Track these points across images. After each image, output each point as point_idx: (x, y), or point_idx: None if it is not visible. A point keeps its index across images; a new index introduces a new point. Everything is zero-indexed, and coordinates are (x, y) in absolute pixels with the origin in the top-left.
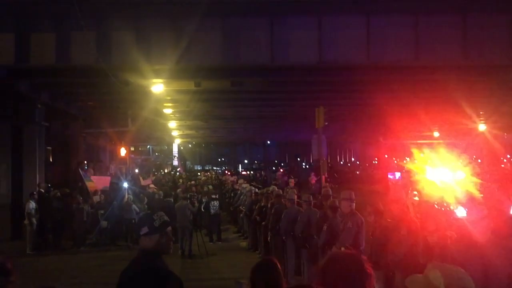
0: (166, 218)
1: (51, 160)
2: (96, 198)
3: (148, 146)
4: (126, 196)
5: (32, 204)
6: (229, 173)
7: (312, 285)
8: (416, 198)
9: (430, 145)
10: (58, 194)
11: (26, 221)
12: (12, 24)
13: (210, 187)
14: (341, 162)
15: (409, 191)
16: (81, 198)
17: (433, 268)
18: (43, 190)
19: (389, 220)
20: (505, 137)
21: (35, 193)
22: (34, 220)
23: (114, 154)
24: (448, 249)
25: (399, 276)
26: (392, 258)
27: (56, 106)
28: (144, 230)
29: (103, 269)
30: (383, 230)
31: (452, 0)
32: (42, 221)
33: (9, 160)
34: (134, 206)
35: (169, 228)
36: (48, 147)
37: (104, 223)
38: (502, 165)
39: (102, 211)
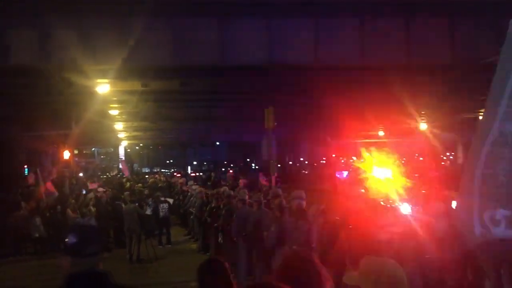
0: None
1: None
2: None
3: (93, 149)
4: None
5: None
6: (178, 175)
7: (272, 282)
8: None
9: (375, 144)
10: None
11: None
12: None
13: (158, 193)
14: (290, 162)
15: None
16: (23, 203)
17: (366, 262)
18: None
19: (337, 217)
20: (442, 136)
21: None
22: None
23: (57, 157)
24: (394, 245)
25: (356, 273)
26: (346, 256)
27: None
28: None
29: (42, 278)
30: (330, 227)
31: (396, 4)
32: None
33: None
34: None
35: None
36: None
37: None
38: (442, 163)
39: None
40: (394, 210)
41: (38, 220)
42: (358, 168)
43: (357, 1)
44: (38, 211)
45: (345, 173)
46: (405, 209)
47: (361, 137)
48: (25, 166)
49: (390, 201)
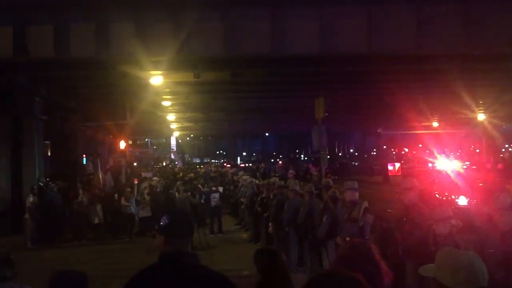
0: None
1: (49, 154)
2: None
3: (147, 139)
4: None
5: (32, 198)
6: (228, 165)
7: (341, 270)
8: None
9: (429, 136)
10: (56, 188)
11: (26, 215)
12: (10, 17)
13: (210, 183)
14: (340, 154)
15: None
16: (81, 191)
17: (443, 253)
18: (42, 184)
19: (389, 210)
20: (504, 127)
21: (35, 187)
22: (34, 214)
23: (113, 147)
24: (453, 238)
25: (411, 265)
26: (403, 247)
27: (55, 100)
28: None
29: (103, 261)
30: (385, 220)
31: None
32: (42, 215)
33: (8, 154)
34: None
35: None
36: (47, 141)
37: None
38: (501, 155)
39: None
40: (451, 202)
41: (98, 207)
42: (411, 160)
43: None
44: (99, 199)
45: (397, 165)
46: (462, 201)
47: (415, 128)
48: (84, 155)
49: (446, 194)
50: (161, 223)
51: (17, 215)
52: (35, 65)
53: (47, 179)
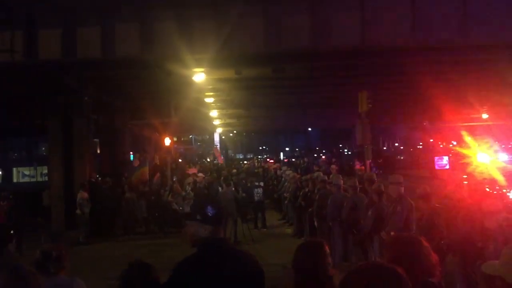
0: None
1: (98, 151)
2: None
3: (191, 136)
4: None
5: (83, 194)
6: (271, 161)
7: (385, 263)
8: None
9: (479, 128)
10: (109, 183)
11: (78, 211)
12: (59, 19)
13: (253, 178)
14: (384, 148)
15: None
16: (126, 187)
17: (510, 251)
18: (94, 180)
19: (437, 205)
20: None
21: (85, 183)
22: (86, 210)
23: (159, 144)
24: (503, 233)
25: (456, 260)
26: (447, 242)
27: (102, 99)
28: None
29: (153, 255)
30: (431, 214)
31: None
32: (93, 210)
33: (60, 152)
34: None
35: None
36: (96, 139)
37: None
38: None
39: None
40: (502, 196)
41: (143, 203)
42: (459, 153)
43: None
44: (144, 195)
45: (445, 158)
46: None
47: (463, 120)
48: (131, 153)
49: (497, 187)
50: (208, 214)
51: (70, 210)
52: (83, 65)
53: (97, 176)
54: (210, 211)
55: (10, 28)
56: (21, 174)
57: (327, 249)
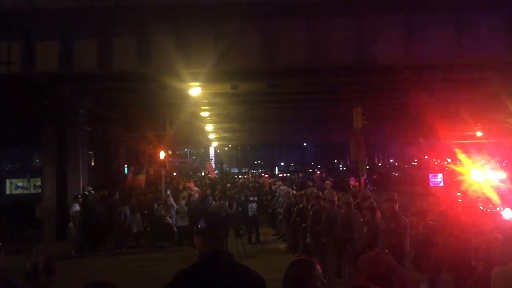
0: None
1: (92, 163)
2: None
3: (186, 150)
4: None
5: (76, 207)
6: (266, 175)
7: (370, 285)
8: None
9: (473, 146)
10: (99, 197)
11: (70, 224)
12: (56, 32)
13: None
14: (379, 164)
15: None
16: (119, 200)
17: None
18: (87, 193)
19: (431, 222)
20: None
21: (79, 196)
22: (78, 222)
23: (153, 157)
24: (493, 252)
25: (450, 277)
26: (440, 260)
27: (97, 111)
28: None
29: (144, 270)
30: (427, 231)
31: None
32: (85, 223)
33: (54, 163)
34: (173, 209)
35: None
36: (90, 151)
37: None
38: None
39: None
40: (495, 215)
41: (138, 216)
42: (454, 171)
43: None
44: (138, 208)
45: (439, 176)
46: (508, 214)
47: (457, 137)
48: (125, 165)
49: (490, 206)
50: (199, 226)
51: (62, 223)
52: (79, 78)
53: (91, 188)
54: (201, 223)
55: (7, 40)
56: (14, 186)
57: (318, 268)
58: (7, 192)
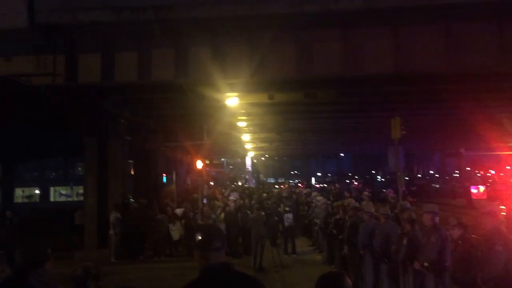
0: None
1: (132, 172)
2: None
3: (223, 159)
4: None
5: (116, 215)
6: (302, 186)
7: None
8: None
9: None
10: (138, 205)
11: (111, 231)
12: (98, 44)
13: (284, 203)
14: (419, 175)
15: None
16: (158, 208)
17: None
18: (127, 201)
19: (474, 236)
20: None
21: (119, 204)
22: (118, 230)
23: (191, 166)
24: None
25: None
26: (483, 276)
27: (137, 121)
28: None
29: (182, 278)
30: (468, 245)
31: None
32: (125, 230)
33: (95, 172)
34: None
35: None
36: (130, 160)
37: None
38: None
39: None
40: None
41: (178, 224)
42: (497, 183)
43: (496, 2)
44: (178, 216)
45: (481, 188)
46: None
47: (501, 148)
48: (164, 174)
49: None
50: (195, 239)
51: (102, 230)
52: (120, 89)
53: (130, 197)
54: (197, 237)
55: (53, 52)
56: (58, 193)
57: (348, 280)
58: (51, 199)
